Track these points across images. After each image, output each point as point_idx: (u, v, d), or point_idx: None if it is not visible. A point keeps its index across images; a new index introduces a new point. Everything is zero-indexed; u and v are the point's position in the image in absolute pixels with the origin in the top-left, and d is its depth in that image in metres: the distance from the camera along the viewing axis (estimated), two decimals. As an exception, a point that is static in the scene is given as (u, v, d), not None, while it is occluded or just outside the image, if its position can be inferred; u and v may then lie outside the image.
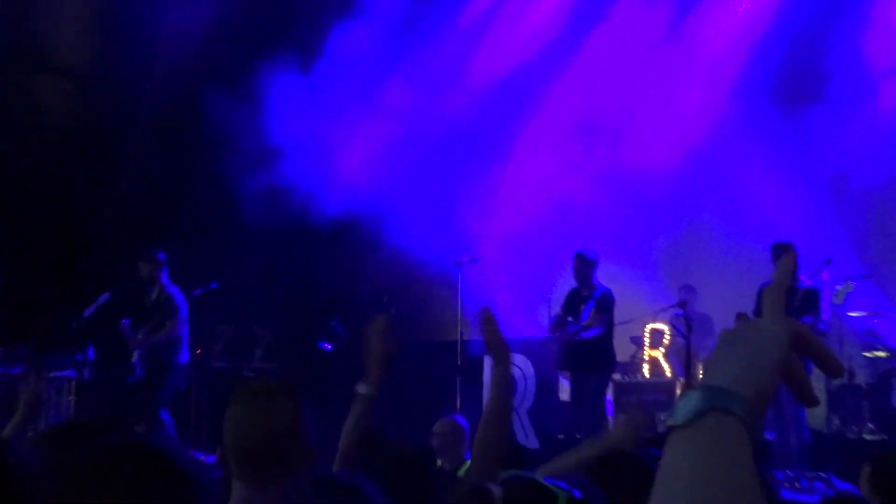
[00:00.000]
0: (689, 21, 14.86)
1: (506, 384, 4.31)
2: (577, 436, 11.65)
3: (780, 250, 11.18)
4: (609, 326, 11.78)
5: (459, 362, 13.05)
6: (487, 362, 13.12)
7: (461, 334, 13.11)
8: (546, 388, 13.10)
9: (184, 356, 11.96)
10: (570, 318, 11.88)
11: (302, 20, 14.05)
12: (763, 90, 14.02)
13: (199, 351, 12.99)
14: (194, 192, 13.68)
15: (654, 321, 13.99)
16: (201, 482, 1.98)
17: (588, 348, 11.74)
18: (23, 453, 2.65)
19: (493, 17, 15.61)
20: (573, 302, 12.05)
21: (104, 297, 12.22)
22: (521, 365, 13.00)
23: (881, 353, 12.86)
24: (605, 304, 11.95)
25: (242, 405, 3.48)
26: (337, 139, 14.12)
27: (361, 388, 4.40)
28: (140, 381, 11.90)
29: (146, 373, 11.81)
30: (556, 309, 12.30)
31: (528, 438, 12.81)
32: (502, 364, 4.28)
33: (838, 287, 11.80)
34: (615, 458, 4.06)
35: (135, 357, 11.89)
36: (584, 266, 11.89)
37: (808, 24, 13.67)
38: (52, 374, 12.66)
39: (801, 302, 11.05)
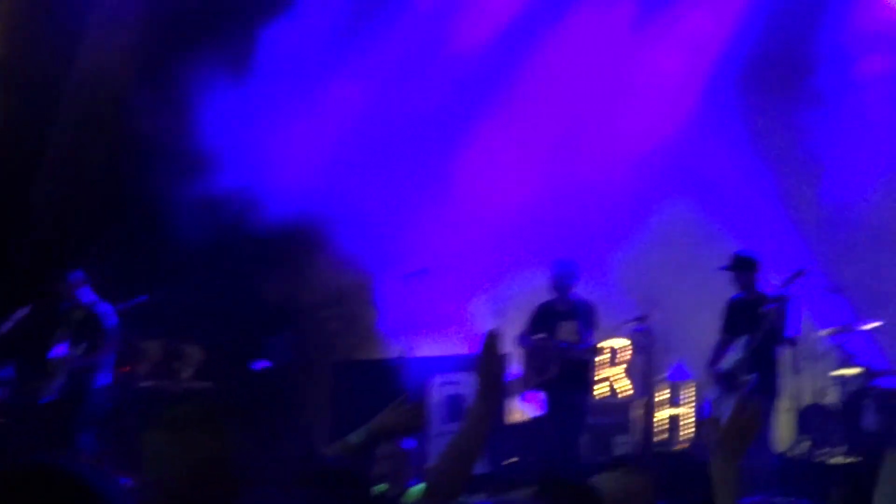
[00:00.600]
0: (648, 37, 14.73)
1: (486, 417, 3.98)
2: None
3: (741, 261, 11.24)
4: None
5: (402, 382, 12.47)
6: (437, 383, 13.06)
7: (404, 351, 12.91)
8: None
9: (108, 377, 11.81)
10: (543, 335, 11.74)
11: (238, 18, 13.78)
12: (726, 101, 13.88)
13: (125, 369, 12.69)
14: (120, 199, 13.34)
15: (612, 337, 13.65)
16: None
17: (579, 366, 11.66)
18: None
19: (442, 20, 15.19)
20: (547, 317, 11.87)
21: (21, 312, 11.83)
22: (465, 384, 12.57)
23: (853, 371, 12.76)
24: (596, 317, 11.96)
25: (163, 432, 3.43)
26: (276, 145, 13.79)
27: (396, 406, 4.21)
28: (54, 404, 11.71)
29: (65, 394, 11.58)
30: (523, 324, 12.06)
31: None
32: (490, 399, 3.99)
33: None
34: (561, 486, 3.98)
35: (57, 376, 11.57)
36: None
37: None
38: None
39: (768, 310, 10.91)
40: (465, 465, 3.99)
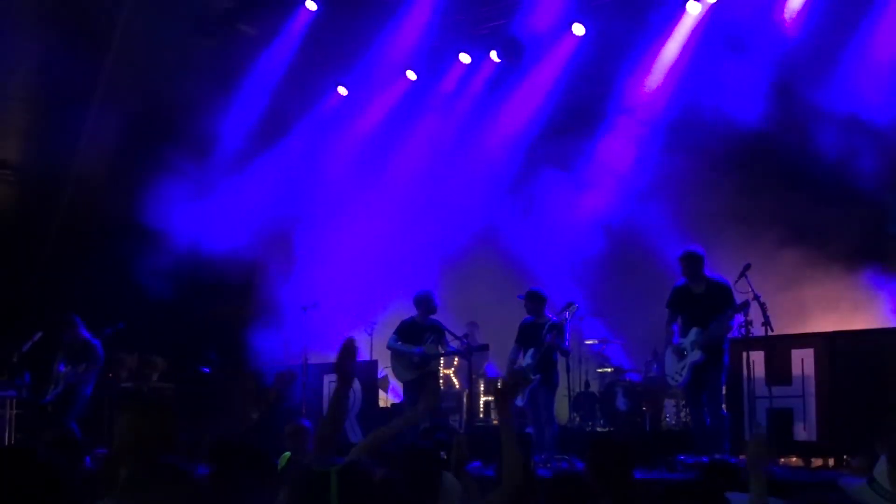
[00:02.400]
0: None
1: (343, 397, 4.82)
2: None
3: (532, 296, 13.15)
4: None
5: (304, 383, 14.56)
6: (325, 380, 15.27)
7: (306, 360, 14.77)
8: (370, 398, 15.09)
9: (89, 389, 13.94)
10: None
11: (194, 118, 16.07)
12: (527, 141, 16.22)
13: (109, 375, 14.98)
14: (104, 256, 15.59)
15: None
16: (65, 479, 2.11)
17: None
18: None
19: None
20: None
21: (37, 336, 14.52)
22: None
23: (608, 369, 15.25)
24: (444, 332, 13.54)
25: (125, 416, 4.13)
26: (209, 209, 16.10)
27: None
28: (51, 403, 13.89)
29: (60, 396, 13.79)
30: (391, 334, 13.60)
31: (356, 436, 14.66)
32: (344, 385, 4.78)
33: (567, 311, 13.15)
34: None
35: (56, 385, 13.87)
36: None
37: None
38: None
39: (547, 331, 12.75)
40: (333, 429, 4.78)
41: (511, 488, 5.14)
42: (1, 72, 15.51)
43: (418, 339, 13.60)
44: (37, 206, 16.58)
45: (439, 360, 13.97)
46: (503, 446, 5.19)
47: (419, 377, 13.51)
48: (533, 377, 12.96)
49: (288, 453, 8.55)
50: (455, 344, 13.84)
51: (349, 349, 4.75)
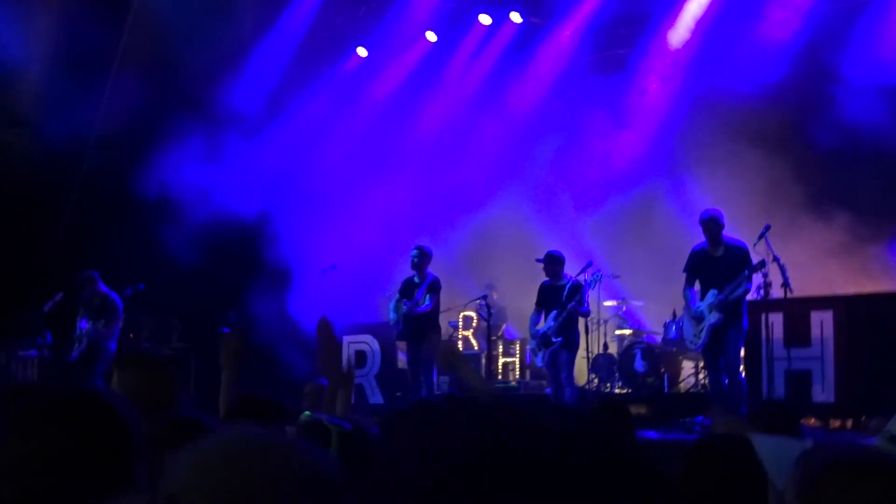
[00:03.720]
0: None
1: (331, 369, 5.33)
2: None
3: (550, 258, 13.29)
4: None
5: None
6: (345, 341, 14.97)
7: (324, 316, 14.77)
8: (388, 360, 15.25)
9: (113, 344, 14.09)
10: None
11: (213, 82, 16.29)
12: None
13: (130, 336, 15.16)
14: (124, 219, 15.82)
15: (464, 310, 16.24)
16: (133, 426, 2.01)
17: (421, 320, 13.47)
18: None
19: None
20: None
21: (58, 296, 14.68)
22: (369, 342, 15.20)
23: (627, 331, 15.31)
24: (437, 285, 13.68)
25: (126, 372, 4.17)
26: (228, 173, 16.27)
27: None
28: (77, 361, 14.09)
29: (85, 354, 13.98)
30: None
31: (374, 396, 15.05)
32: (327, 360, 5.41)
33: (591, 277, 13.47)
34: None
35: (81, 343, 14.07)
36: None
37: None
38: (20, 353, 15.12)
39: (568, 292, 13.00)
40: (331, 394, 5.20)
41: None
42: (24, 34, 15.52)
43: (410, 297, 13.78)
44: (57, 168, 16.68)
45: (424, 318, 13.77)
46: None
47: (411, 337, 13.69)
48: (554, 340, 13.12)
49: (308, 412, 8.60)
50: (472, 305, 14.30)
51: (322, 328, 5.33)
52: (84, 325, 14.18)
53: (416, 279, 13.86)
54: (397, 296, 13.96)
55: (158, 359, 4.47)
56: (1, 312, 15.49)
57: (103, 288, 14.20)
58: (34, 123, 16.40)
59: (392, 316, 13.95)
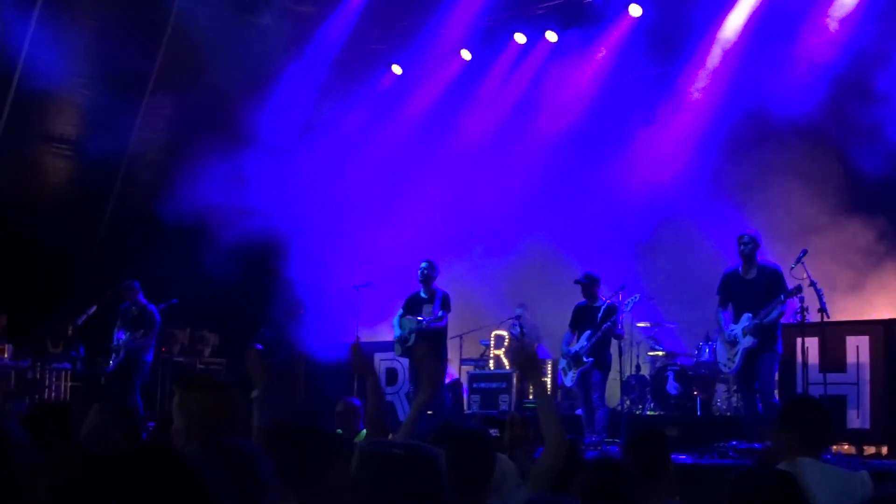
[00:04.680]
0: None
1: (377, 389, 5.26)
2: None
3: (591, 279, 13.25)
4: None
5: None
6: (377, 358, 15.16)
7: (357, 339, 13.09)
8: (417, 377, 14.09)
9: (150, 356, 14.17)
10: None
11: (246, 99, 16.41)
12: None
13: (163, 349, 15.20)
14: (161, 231, 15.82)
15: (497, 329, 16.16)
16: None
17: (432, 335, 13.21)
18: (13, 428, 2.55)
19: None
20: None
21: (91, 309, 14.75)
22: (400, 359, 14.93)
23: (660, 353, 15.10)
24: (448, 301, 13.45)
25: (182, 392, 4.19)
26: (260, 190, 16.27)
27: (253, 393, 5.00)
28: (114, 372, 14.09)
29: (122, 365, 13.96)
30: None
31: (406, 414, 15.03)
32: (372, 377, 5.31)
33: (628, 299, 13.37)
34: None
35: (118, 354, 14.04)
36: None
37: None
38: (53, 366, 15.16)
39: (603, 314, 12.89)
40: (380, 413, 5.14)
41: (551, 461, 5.03)
42: (66, 53, 15.67)
43: (417, 312, 13.68)
44: (94, 183, 16.90)
45: (435, 334, 13.58)
46: (541, 421, 5.05)
47: (410, 354, 13.29)
48: (586, 360, 13.07)
49: (364, 431, 8.24)
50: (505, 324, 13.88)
51: (355, 351, 5.40)
52: (121, 335, 14.25)
53: (422, 293, 13.72)
54: (401, 311, 13.83)
55: (221, 382, 4.45)
56: (35, 325, 15.61)
57: (142, 299, 14.28)
58: (73, 140, 16.56)
59: (397, 333, 13.80)
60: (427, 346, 11.72)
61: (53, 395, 15.03)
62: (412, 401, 11.01)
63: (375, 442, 4.14)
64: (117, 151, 16.58)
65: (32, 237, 16.40)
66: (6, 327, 15.74)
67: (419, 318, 13.53)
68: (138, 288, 14.32)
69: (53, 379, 15.30)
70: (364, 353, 5.45)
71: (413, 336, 13.58)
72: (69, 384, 15.42)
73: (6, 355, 15.14)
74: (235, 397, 4.27)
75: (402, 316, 13.80)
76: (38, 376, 15.12)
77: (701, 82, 15.56)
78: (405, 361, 14.92)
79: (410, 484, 3.31)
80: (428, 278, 13.70)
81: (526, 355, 5.27)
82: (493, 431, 6.40)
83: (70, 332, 15.04)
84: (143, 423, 6.80)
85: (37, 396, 14.78)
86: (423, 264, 13.76)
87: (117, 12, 16.17)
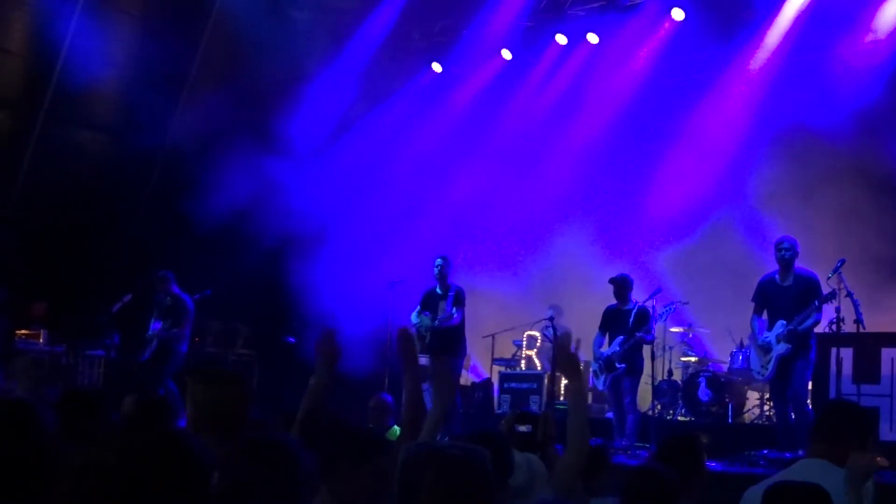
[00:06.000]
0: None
1: (416, 386, 5.07)
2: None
3: (624, 281, 13.18)
4: None
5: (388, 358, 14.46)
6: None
7: (390, 337, 14.29)
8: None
9: (185, 346, 14.31)
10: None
11: (285, 93, 16.52)
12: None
13: (196, 340, 15.27)
14: (194, 224, 15.72)
15: (529, 330, 16.14)
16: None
17: (447, 333, 13.35)
18: (43, 413, 2.62)
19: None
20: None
21: (126, 298, 14.82)
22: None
23: (692, 359, 15.11)
24: (463, 297, 13.53)
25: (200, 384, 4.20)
26: (298, 184, 16.31)
27: (312, 379, 4.97)
28: (148, 361, 14.25)
29: (155, 355, 14.14)
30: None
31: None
32: (411, 372, 5.07)
33: (664, 309, 13.36)
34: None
35: (152, 343, 14.22)
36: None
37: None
38: (87, 353, 15.27)
39: (635, 318, 12.84)
40: (417, 412, 4.95)
41: (574, 460, 5.08)
42: (107, 44, 15.85)
43: (433, 310, 13.66)
44: (131, 173, 16.97)
45: (450, 332, 13.62)
46: (569, 420, 5.07)
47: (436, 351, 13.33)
48: (618, 366, 13.04)
49: (395, 428, 8.64)
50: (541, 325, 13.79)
51: (409, 337, 5.07)
52: (156, 325, 14.42)
53: (438, 289, 13.72)
54: (418, 307, 13.83)
55: (231, 375, 4.45)
56: (70, 312, 15.68)
57: (175, 289, 14.41)
58: (111, 129, 16.68)
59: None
60: (444, 362, 12.62)
61: (86, 381, 15.12)
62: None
63: (424, 443, 4.07)
64: (156, 143, 16.65)
65: (70, 226, 16.46)
66: (47, 314, 15.83)
67: (431, 318, 13.55)
68: (172, 278, 14.44)
69: (87, 366, 15.41)
70: (413, 339, 5.22)
71: (429, 335, 13.58)
72: (102, 371, 15.52)
73: (41, 340, 15.23)
74: (245, 391, 4.28)
75: (419, 312, 13.82)
76: (71, 362, 15.19)
77: (745, 88, 15.37)
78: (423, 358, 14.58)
79: (468, 483, 3.39)
80: (442, 275, 13.68)
81: (567, 356, 5.17)
82: (527, 428, 6.28)
83: (105, 320, 15.06)
84: (179, 411, 6.78)
85: (69, 382, 14.66)
86: (438, 260, 13.77)
87: (160, 4, 16.33)
